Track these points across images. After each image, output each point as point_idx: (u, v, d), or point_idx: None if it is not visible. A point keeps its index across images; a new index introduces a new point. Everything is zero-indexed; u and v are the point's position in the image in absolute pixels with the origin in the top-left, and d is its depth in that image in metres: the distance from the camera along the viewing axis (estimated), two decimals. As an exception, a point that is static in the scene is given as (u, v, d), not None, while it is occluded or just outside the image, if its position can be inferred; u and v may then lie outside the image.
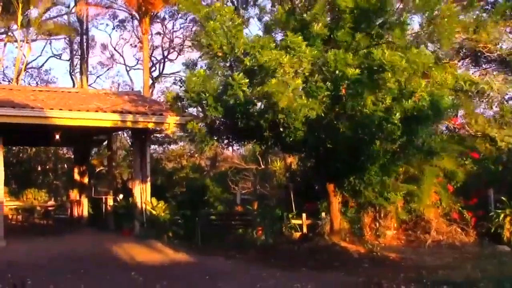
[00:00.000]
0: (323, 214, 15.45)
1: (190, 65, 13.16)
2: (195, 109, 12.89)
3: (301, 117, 10.34)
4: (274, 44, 10.97)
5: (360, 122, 10.69)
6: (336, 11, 12.15)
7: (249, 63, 10.73)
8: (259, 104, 11.32)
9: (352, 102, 10.69)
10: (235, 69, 11.69)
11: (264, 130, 11.52)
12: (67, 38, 34.76)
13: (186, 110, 13.19)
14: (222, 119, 12.11)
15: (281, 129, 10.92)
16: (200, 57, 12.89)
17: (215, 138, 12.64)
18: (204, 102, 11.36)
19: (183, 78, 12.01)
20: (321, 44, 11.45)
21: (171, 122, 15.65)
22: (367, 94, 10.52)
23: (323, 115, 10.70)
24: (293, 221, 16.24)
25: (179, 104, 12.69)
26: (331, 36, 11.92)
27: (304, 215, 15.98)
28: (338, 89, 10.65)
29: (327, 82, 10.69)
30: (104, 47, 37.89)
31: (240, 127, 11.42)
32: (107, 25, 41.30)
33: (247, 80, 10.57)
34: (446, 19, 11.30)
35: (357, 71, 10.29)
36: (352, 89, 10.55)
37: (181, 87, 12.25)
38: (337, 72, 10.49)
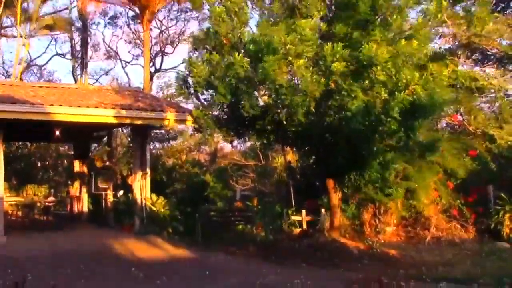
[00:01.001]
0: (323, 210, 15.47)
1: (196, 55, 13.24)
2: (198, 101, 12.94)
3: (305, 86, 10.34)
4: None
5: (354, 116, 10.64)
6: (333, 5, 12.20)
7: (253, 48, 10.85)
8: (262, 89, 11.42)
9: (338, 96, 10.66)
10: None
11: (267, 124, 11.54)
12: (68, 34, 34.65)
13: (191, 96, 13.16)
14: (227, 109, 12.15)
15: (284, 122, 10.94)
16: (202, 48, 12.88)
17: (220, 128, 12.72)
18: (212, 87, 11.45)
19: (190, 63, 12.05)
20: (317, 39, 11.44)
21: (171, 118, 15.66)
22: (356, 88, 10.46)
23: (313, 110, 10.71)
24: (293, 218, 16.26)
25: (186, 89, 12.71)
26: (329, 31, 11.91)
27: (304, 211, 16.01)
28: (329, 83, 10.68)
29: (322, 78, 10.71)
30: (108, 52, 37.78)
31: (245, 118, 11.46)
32: (98, 23, 41.17)
33: (248, 59, 10.70)
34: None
35: (344, 63, 10.29)
36: (339, 83, 10.53)
37: (188, 73, 12.26)
38: (330, 66, 10.52)
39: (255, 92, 11.61)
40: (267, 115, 11.42)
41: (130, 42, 36.51)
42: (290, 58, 10.41)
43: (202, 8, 12.35)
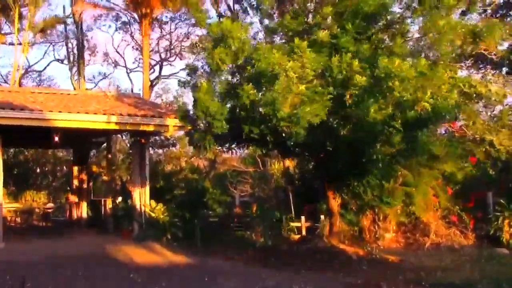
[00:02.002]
0: (322, 216, 15.46)
1: (192, 75, 13.20)
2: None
3: (303, 123, 10.29)
4: (277, 50, 10.85)
5: (362, 127, 10.64)
6: (339, 17, 12.14)
7: (252, 70, 10.73)
8: (262, 110, 11.28)
9: (356, 108, 10.65)
10: (238, 76, 11.72)
11: (266, 135, 11.49)
12: (64, 38, 34.84)
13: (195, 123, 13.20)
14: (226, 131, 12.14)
15: (282, 134, 10.88)
16: (203, 67, 12.86)
17: (219, 144, 12.70)
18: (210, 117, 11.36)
19: (192, 97, 11.97)
20: (327, 50, 11.40)
21: (171, 124, 15.67)
22: (371, 101, 10.45)
23: (325, 119, 10.66)
24: (292, 224, 16.24)
25: (189, 119, 12.75)
26: (335, 42, 11.88)
27: (303, 217, 16.00)
28: (342, 94, 10.63)
29: (330, 87, 10.66)
30: (106, 55, 37.96)
31: (244, 134, 11.43)
32: (109, 26, 41.63)
33: (255, 91, 10.53)
34: (444, 30, 11.21)
35: (364, 78, 10.25)
36: (358, 96, 10.51)
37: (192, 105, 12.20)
38: (340, 76, 10.45)
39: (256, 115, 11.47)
40: (264, 132, 11.32)
41: (137, 49, 36.75)
42: (290, 83, 10.18)
43: (206, 27, 12.01)
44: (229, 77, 11.95)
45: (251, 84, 10.60)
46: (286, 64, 10.09)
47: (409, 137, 10.70)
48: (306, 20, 12.37)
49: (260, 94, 10.73)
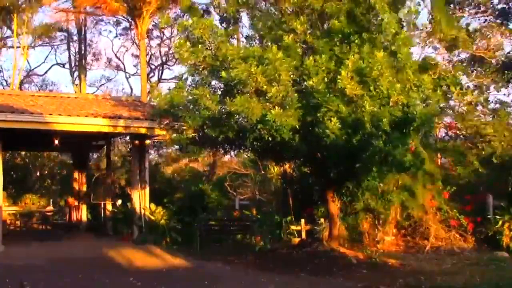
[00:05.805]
0: (322, 220, 15.44)
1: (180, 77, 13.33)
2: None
3: (287, 127, 10.23)
4: (247, 56, 10.76)
5: (334, 133, 10.50)
6: (316, 19, 12.13)
7: (225, 76, 10.75)
8: (236, 117, 11.22)
9: (316, 113, 10.51)
10: (218, 80, 11.75)
11: (251, 141, 11.40)
12: (66, 42, 34.96)
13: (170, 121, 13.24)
14: (200, 132, 12.10)
15: (269, 139, 10.78)
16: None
17: (202, 148, 12.70)
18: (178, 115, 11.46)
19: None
20: (299, 55, 11.35)
21: (168, 128, 15.63)
22: (337, 102, 10.27)
23: (298, 127, 10.56)
24: (292, 227, 16.23)
25: (159, 115, 12.86)
26: (311, 44, 11.83)
27: (303, 221, 15.98)
28: (309, 100, 10.61)
29: (301, 93, 10.64)
30: (109, 60, 38.10)
31: (222, 138, 11.43)
32: (110, 31, 41.84)
33: (217, 96, 10.65)
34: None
35: (318, 77, 10.18)
36: (317, 101, 10.41)
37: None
38: (309, 83, 10.40)
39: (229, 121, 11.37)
40: (246, 136, 11.28)
41: (136, 57, 36.82)
42: (263, 86, 10.18)
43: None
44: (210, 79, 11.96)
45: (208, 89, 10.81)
46: (254, 69, 10.11)
47: (394, 139, 10.63)
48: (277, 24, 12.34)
49: (231, 99, 10.68)
